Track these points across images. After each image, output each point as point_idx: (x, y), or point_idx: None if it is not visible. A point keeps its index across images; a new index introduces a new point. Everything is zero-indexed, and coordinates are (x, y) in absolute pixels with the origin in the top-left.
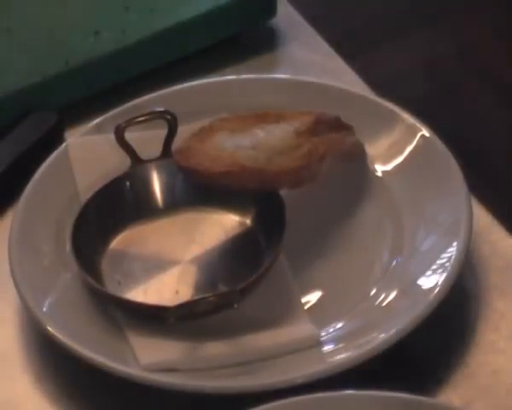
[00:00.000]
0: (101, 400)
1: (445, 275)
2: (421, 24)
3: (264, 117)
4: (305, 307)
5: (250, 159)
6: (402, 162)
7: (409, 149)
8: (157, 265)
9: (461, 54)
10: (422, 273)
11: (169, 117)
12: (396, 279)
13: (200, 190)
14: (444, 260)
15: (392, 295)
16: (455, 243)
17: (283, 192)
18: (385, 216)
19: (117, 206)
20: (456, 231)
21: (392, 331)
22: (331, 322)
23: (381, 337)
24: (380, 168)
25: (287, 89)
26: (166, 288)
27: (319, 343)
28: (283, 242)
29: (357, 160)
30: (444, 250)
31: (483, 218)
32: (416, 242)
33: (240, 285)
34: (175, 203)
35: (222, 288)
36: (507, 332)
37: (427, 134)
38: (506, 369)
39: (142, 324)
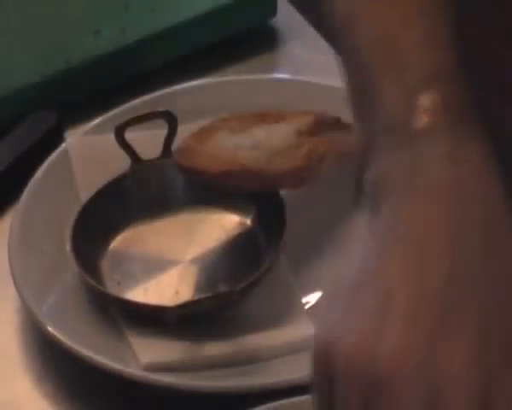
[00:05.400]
0: (101, 400)
1: None
2: None
3: (264, 117)
4: (305, 307)
5: (250, 159)
6: None
7: None
8: (157, 265)
9: (461, 55)
10: None
11: (169, 117)
12: None
13: (200, 190)
14: None
15: None
16: None
17: (283, 192)
18: None
19: (117, 206)
20: None
21: None
22: None
23: None
24: None
25: (287, 89)
26: (166, 288)
27: None
28: (283, 242)
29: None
30: None
31: None
32: None
33: (240, 285)
34: (175, 203)
35: (222, 288)
36: None
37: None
38: None
39: (142, 324)
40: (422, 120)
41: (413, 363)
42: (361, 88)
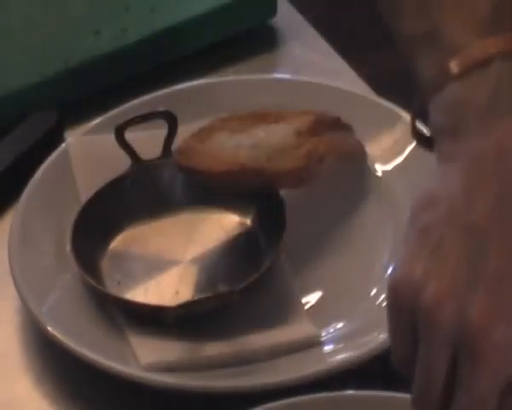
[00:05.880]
0: (101, 400)
1: None
2: None
3: (264, 117)
4: (305, 308)
5: (250, 159)
6: (402, 162)
7: (409, 149)
8: (157, 265)
9: None
10: None
11: (169, 117)
12: None
13: (200, 190)
14: None
15: None
16: None
17: (283, 192)
18: (385, 216)
19: (117, 206)
20: None
21: None
22: (331, 322)
23: (381, 337)
24: (380, 168)
25: (287, 89)
26: (166, 288)
27: (319, 343)
28: (283, 242)
29: (357, 160)
30: None
31: None
32: None
33: (240, 285)
34: (175, 203)
35: (222, 288)
36: None
37: (428, 134)
38: None
39: (142, 324)
40: (496, 46)
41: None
42: (421, 25)
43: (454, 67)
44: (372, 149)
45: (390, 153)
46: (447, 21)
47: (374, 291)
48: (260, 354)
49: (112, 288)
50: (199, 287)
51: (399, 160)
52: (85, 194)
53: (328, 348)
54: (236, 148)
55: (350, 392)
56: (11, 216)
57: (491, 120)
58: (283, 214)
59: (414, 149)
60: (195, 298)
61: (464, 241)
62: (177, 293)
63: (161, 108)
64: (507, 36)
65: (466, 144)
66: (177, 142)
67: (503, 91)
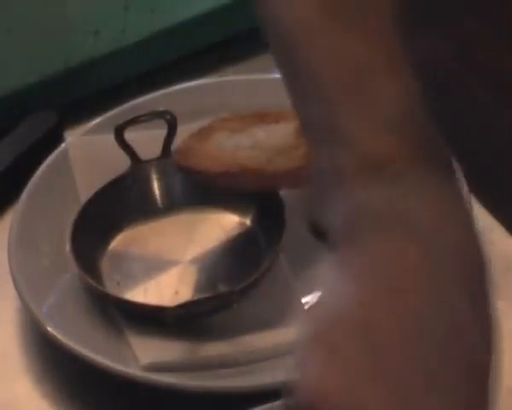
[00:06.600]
0: (101, 400)
1: None
2: (420, 23)
3: (264, 117)
4: (305, 307)
5: (250, 159)
6: None
7: None
8: (157, 265)
9: (461, 54)
10: None
11: (169, 117)
12: None
13: (200, 190)
14: None
15: None
16: None
17: (283, 192)
18: None
19: (117, 206)
20: None
21: None
22: None
23: None
24: None
25: None
26: (166, 288)
27: None
28: (283, 242)
29: None
30: None
31: (483, 218)
32: None
33: (240, 285)
34: (175, 203)
35: (222, 288)
36: (507, 332)
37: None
38: (506, 369)
39: (142, 324)
40: (396, 160)
41: None
42: (321, 117)
43: (349, 164)
44: None
45: None
46: (348, 118)
47: None
48: (260, 355)
49: (111, 288)
50: (198, 287)
51: None
52: (85, 194)
53: None
54: (236, 148)
55: None
56: (11, 216)
57: (381, 232)
58: (283, 215)
59: None
60: (195, 298)
61: (364, 354)
62: (176, 293)
63: (161, 108)
64: (404, 138)
65: (362, 250)
66: (177, 142)
67: (393, 202)
